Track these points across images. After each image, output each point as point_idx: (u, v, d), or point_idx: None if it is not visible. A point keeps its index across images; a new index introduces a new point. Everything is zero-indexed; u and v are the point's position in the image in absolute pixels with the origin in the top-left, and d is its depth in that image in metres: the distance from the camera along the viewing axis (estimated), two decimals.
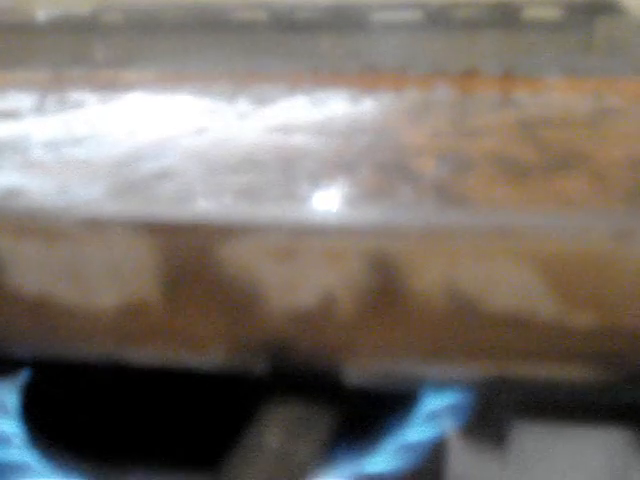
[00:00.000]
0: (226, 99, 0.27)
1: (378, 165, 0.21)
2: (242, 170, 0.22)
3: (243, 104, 0.27)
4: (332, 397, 0.22)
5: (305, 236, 0.20)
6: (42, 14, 0.39)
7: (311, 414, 0.21)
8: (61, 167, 0.23)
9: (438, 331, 0.19)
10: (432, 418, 0.25)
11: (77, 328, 0.21)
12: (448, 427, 0.25)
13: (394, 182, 0.20)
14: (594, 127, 0.23)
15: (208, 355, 0.21)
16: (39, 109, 0.27)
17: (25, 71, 0.31)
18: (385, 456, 0.24)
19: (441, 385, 0.21)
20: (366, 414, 0.25)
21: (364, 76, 0.28)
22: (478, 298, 0.19)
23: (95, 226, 0.20)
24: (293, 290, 0.20)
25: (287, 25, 0.37)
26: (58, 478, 0.25)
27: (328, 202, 0.20)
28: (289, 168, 0.22)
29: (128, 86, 0.29)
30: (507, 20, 0.37)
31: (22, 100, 0.28)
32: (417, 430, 0.25)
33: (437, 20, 0.37)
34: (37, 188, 0.22)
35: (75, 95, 0.28)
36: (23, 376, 0.28)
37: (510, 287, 0.19)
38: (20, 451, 0.26)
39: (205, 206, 0.20)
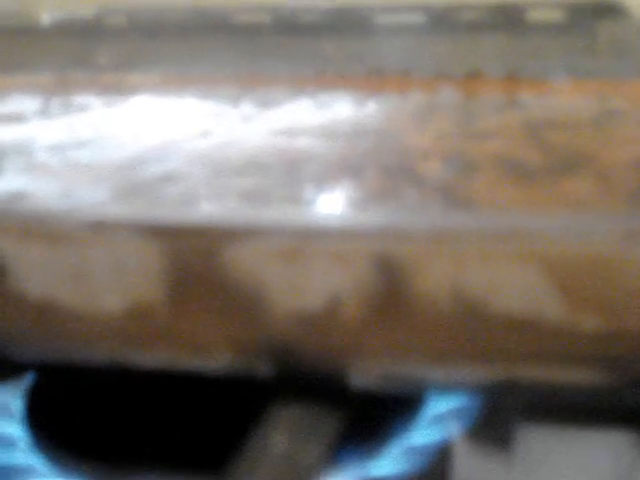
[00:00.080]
0: (230, 102, 0.27)
1: (383, 168, 0.21)
2: (247, 173, 0.22)
3: (247, 107, 0.27)
4: (338, 400, 0.22)
5: (310, 239, 0.19)
6: (46, 17, 0.39)
7: (317, 417, 0.21)
8: (66, 170, 0.23)
9: (444, 334, 0.19)
10: (438, 421, 0.25)
11: (82, 331, 0.21)
12: (454, 430, 0.25)
13: (399, 185, 0.20)
14: (599, 129, 0.23)
15: (213, 358, 0.21)
16: (44, 112, 0.27)
17: (30, 74, 0.31)
18: (391, 459, 0.24)
19: (447, 388, 0.21)
20: (372, 417, 0.25)
21: (368, 79, 0.28)
22: (484, 301, 0.19)
23: (100, 229, 0.20)
24: (298, 293, 0.20)
25: (291, 28, 0.37)
26: None
27: (333, 205, 0.20)
28: (294, 171, 0.22)
29: (132, 89, 0.29)
30: (510, 22, 0.37)
31: (27, 103, 0.28)
32: (423, 433, 0.25)
33: (441, 23, 0.37)
34: (42, 191, 0.22)
35: (79, 98, 0.28)
36: (27, 379, 0.28)
37: (516, 290, 0.19)
38: (25, 454, 0.26)
39: (210, 209, 0.20)
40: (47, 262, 0.21)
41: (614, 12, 0.38)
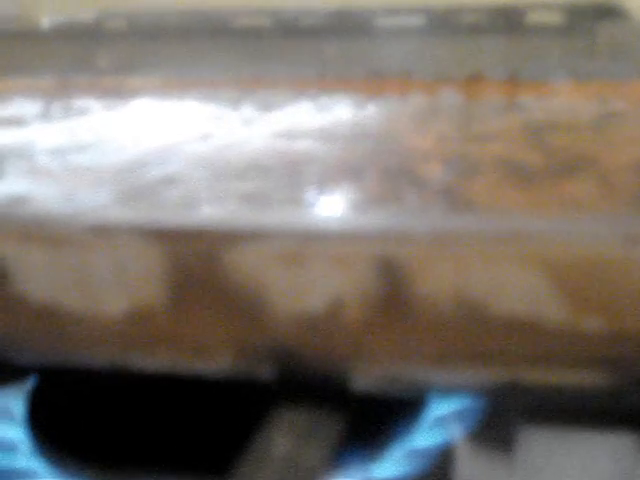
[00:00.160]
0: (231, 105, 0.27)
1: (384, 170, 0.21)
2: (248, 176, 0.22)
3: (248, 110, 0.27)
4: (340, 403, 0.22)
5: (311, 242, 0.19)
6: (46, 21, 0.39)
7: (319, 420, 0.21)
8: (67, 174, 0.23)
9: (445, 336, 0.19)
10: (440, 423, 0.25)
11: (83, 334, 0.21)
12: (456, 432, 0.25)
13: (400, 187, 0.20)
14: (600, 131, 0.23)
15: (215, 361, 0.21)
16: (44, 116, 0.27)
17: (30, 78, 0.31)
18: (393, 462, 0.24)
19: (449, 390, 0.21)
20: (374, 420, 0.25)
21: (369, 81, 0.28)
22: (485, 303, 0.19)
23: (101, 233, 0.20)
24: (300, 296, 0.20)
25: (291, 31, 0.37)
26: None
27: (334, 207, 0.20)
28: (295, 174, 0.22)
29: (133, 92, 0.29)
30: (510, 25, 0.37)
31: (27, 107, 0.28)
32: (425, 435, 0.25)
33: (441, 25, 0.37)
34: (43, 195, 0.22)
35: (80, 102, 0.28)
36: (29, 383, 0.28)
37: (517, 292, 0.19)
38: (26, 458, 0.26)
39: (211, 212, 0.20)
40: (48, 266, 0.21)
41: (614, 14, 0.38)
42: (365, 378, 0.21)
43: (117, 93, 0.29)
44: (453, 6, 0.37)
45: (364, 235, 0.19)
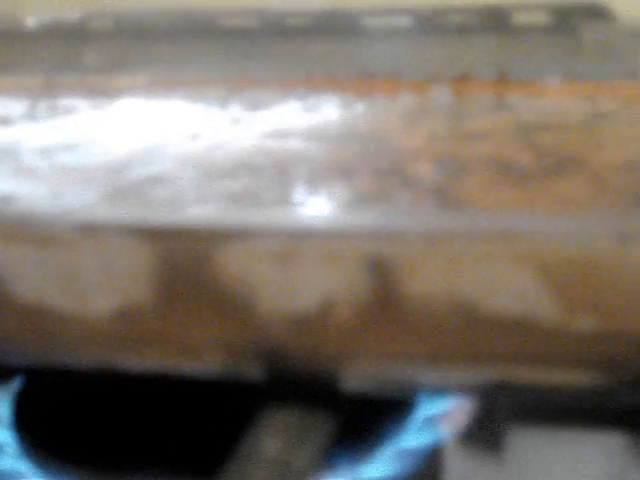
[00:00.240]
0: (219, 104, 0.27)
1: (374, 169, 0.21)
2: (236, 175, 0.22)
3: (236, 109, 0.26)
4: (329, 403, 0.22)
5: (301, 241, 0.19)
6: (32, 20, 0.39)
7: (309, 420, 0.21)
8: (54, 173, 0.22)
9: (436, 336, 0.19)
10: (429, 423, 0.25)
11: (71, 334, 0.21)
12: (445, 433, 0.25)
13: (391, 186, 0.20)
14: (589, 130, 0.23)
15: (204, 362, 0.21)
16: (30, 115, 0.27)
17: (16, 77, 0.31)
18: (382, 462, 0.24)
19: (440, 390, 0.21)
20: (363, 419, 0.25)
21: (358, 81, 0.28)
22: (476, 302, 0.19)
23: (89, 232, 0.20)
24: (289, 295, 0.20)
25: (279, 31, 0.37)
26: None
27: (324, 206, 0.20)
28: (284, 173, 0.22)
29: (120, 92, 0.29)
30: (496, 26, 0.37)
31: (13, 106, 0.28)
32: (414, 436, 0.25)
33: (428, 26, 0.37)
34: (30, 194, 0.21)
35: (67, 101, 0.28)
36: (15, 384, 0.28)
37: (508, 291, 0.19)
38: (13, 460, 0.25)
39: (200, 211, 0.20)
40: (35, 265, 0.20)
41: (599, 14, 0.38)
42: (355, 378, 0.20)
43: (104, 92, 0.29)
44: (440, 6, 0.37)
45: (354, 234, 0.19)
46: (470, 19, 0.38)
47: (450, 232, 0.19)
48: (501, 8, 0.38)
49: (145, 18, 0.38)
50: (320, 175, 0.21)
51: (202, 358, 0.21)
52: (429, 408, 0.25)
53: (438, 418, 0.25)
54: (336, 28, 0.37)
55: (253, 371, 0.21)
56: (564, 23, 0.37)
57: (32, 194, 0.21)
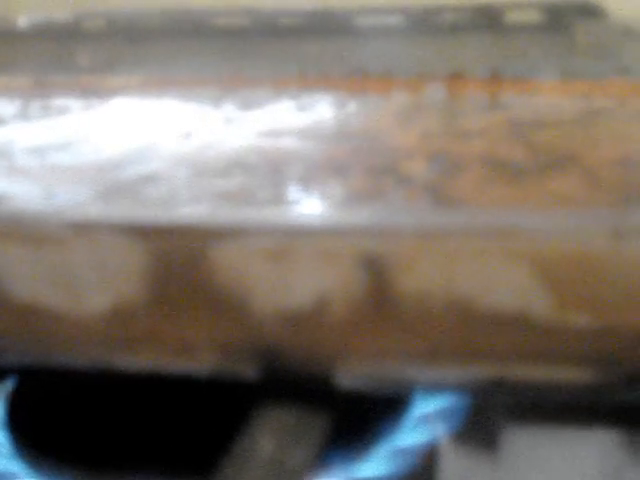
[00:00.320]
0: (212, 104, 0.27)
1: (368, 167, 0.21)
2: (230, 174, 0.22)
3: (229, 108, 0.26)
4: (325, 401, 0.22)
5: (296, 239, 0.19)
6: (24, 20, 0.39)
7: (304, 419, 0.21)
8: (46, 172, 0.22)
9: (431, 333, 0.19)
10: (424, 422, 0.25)
11: (64, 334, 0.21)
12: (440, 431, 0.25)
13: (384, 184, 0.20)
14: (583, 127, 0.23)
15: (198, 360, 0.21)
16: (23, 115, 0.27)
17: (8, 77, 0.31)
18: (378, 460, 0.24)
19: (436, 388, 0.21)
20: (358, 418, 0.25)
21: (351, 80, 0.28)
22: (471, 299, 0.19)
23: (81, 230, 0.20)
24: (284, 294, 0.20)
25: (272, 30, 0.37)
26: None
27: (318, 204, 0.20)
28: (278, 171, 0.21)
29: (113, 91, 0.29)
30: (490, 24, 0.37)
31: (5, 106, 0.28)
32: (409, 434, 0.25)
33: (420, 25, 0.37)
34: (23, 193, 0.21)
35: (59, 101, 0.28)
36: (9, 384, 0.28)
37: (503, 288, 0.19)
38: (7, 460, 0.25)
39: (193, 209, 0.20)
40: (29, 264, 0.20)
41: (591, 13, 0.38)
42: (350, 376, 0.20)
43: (96, 92, 0.29)
44: (432, 5, 0.37)
45: (348, 232, 0.19)
46: (463, 18, 0.38)
47: (445, 229, 0.19)
48: (494, 7, 0.38)
49: (137, 18, 0.38)
50: (314, 173, 0.21)
51: (196, 356, 0.21)
52: (425, 406, 0.25)
53: (433, 416, 0.25)
54: (329, 27, 0.37)
55: (248, 369, 0.21)
56: (557, 22, 0.38)
57: (25, 193, 0.21)
